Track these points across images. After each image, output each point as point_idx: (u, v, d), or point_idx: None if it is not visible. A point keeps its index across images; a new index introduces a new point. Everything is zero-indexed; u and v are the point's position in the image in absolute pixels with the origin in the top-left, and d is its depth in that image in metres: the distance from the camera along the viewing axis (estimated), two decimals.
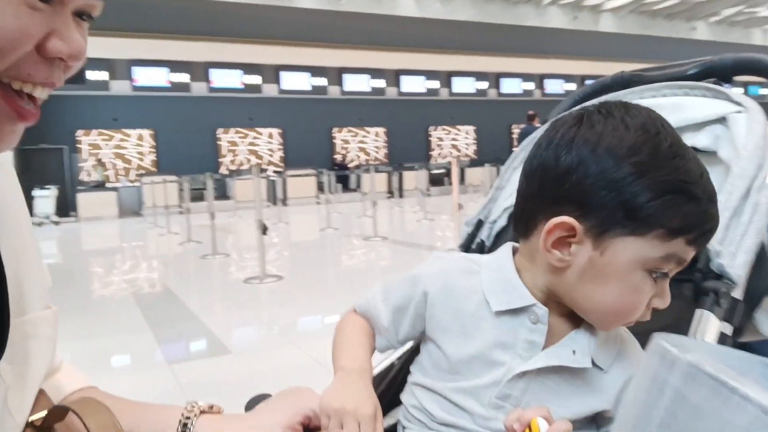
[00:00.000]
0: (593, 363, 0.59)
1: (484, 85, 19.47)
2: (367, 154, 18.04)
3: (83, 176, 14.51)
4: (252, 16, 15.65)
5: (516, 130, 20.24)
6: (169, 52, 14.98)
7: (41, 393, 0.60)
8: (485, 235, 0.94)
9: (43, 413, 0.57)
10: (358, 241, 7.49)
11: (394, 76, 18.15)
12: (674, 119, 0.82)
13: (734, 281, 0.64)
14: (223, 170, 15.86)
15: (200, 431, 0.61)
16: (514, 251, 0.66)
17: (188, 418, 0.62)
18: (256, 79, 16.27)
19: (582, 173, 0.56)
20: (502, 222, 0.94)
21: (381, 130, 18.15)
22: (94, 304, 4.31)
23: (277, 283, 4.74)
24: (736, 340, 0.63)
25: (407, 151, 17.94)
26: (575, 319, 0.61)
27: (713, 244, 0.65)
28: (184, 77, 15.44)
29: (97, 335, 3.40)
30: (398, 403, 0.73)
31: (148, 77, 15.04)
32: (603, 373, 0.60)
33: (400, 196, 15.99)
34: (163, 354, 3.05)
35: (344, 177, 15.97)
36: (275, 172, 15.60)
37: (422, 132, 18.79)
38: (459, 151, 19.39)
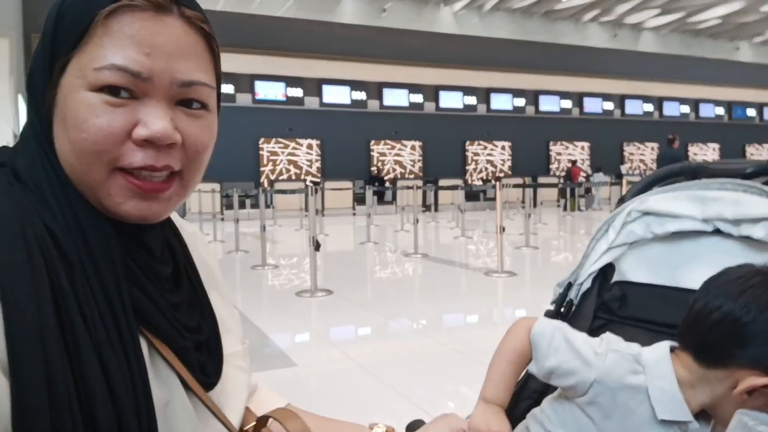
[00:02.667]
0: None
1: (521, 102, 19.58)
2: (403, 167, 18.30)
3: None
4: (296, 31, 16.11)
5: (553, 148, 20.25)
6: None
7: (247, 410, 0.76)
8: (574, 295, 1.16)
9: (252, 424, 0.74)
10: (399, 256, 7.71)
11: (432, 92, 18.40)
12: (735, 212, 1.03)
13: None
14: (263, 179, 16.31)
15: None
16: (671, 349, 0.81)
17: None
18: (298, 92, 16.73)
19: None
20: (587, 284, 1.16)
21: (417, 143, 18.39)
22: None
23: (328, 298, 4.99)
24: None
25: (443, 165, 18.15)
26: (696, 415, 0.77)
27: None
28: (229, 88, 15.97)
29: None
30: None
31: None
32: None
33: (436, 210, 16.18)
34: None
35: (380, 190, 16.25)
36: (313, 182, 15.97)
37: (459, 146, 18.98)
38: (495, 166, 19.50)
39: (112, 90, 0.52)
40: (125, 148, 0.53)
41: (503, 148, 19.62)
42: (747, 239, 1.02)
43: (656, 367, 0.79)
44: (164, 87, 0.54)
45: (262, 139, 16.52)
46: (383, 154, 18.05)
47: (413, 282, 6.08)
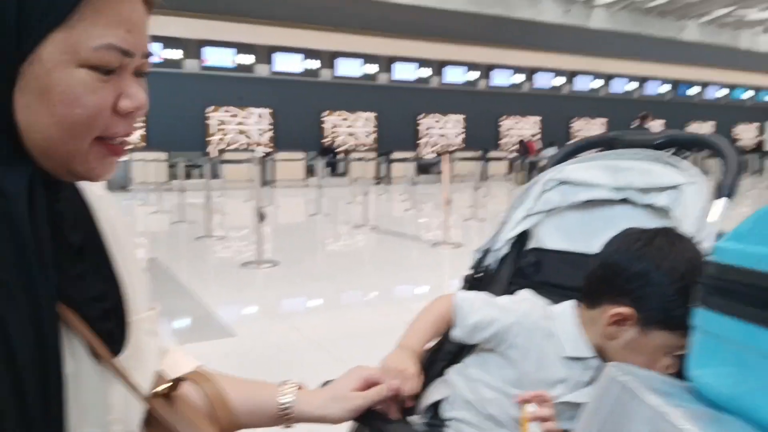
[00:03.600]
0: None
1: (474, 75, 19.65)
2: (357, 139, 18.19)
3: None
4: None
5: (504, 122, 20.50)
6: (162, 29, 14.95)
7: (159, 374, 0.75)
8: (491, 260, 1.19)
9: (167, 385, 0.72)
10: (349, 228, 7.72)
11: (386, 63, 18.26)
12: (645, 181, 1.07)
13: None
14: (211, 149, 15.93)
15: (298, 400, 0.83)
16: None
17: (289, 391, 0.84)
18: (248, 59, 16.31)
19: (646, 281, 0.81)
20: (505, 250, 1.18)
21: (371, 115, 18.29)
22: None
23: (273, 269, 4.96)
24: None
25: (397, 137, 18.12)
26: None
27: None
28: (177, 53, 15.42)
29: None
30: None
31: None
32: None
33: (389, 183, 16.20)
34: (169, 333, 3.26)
35: (333, 162, 16.14)
36: (264, 153, 15.69)
37: (412, 119, 18.97)
38: (448, 140, 19.61)
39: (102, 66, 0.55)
40: (112, 120, 0.58)
41: (456, 121, 19.73)
42: (650, 207, 1.06)
43: (562, 314, 0.91)
44: (137, 61, 0.58)
45: (211, 108, 16.09)
46: (336, 126, 17.88)
47: (361, 254, 6.11)
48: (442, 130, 19.52)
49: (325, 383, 0.90)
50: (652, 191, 1.05)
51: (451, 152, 8.08)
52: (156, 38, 14.87)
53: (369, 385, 0.86)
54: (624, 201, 1.09)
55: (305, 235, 7.57)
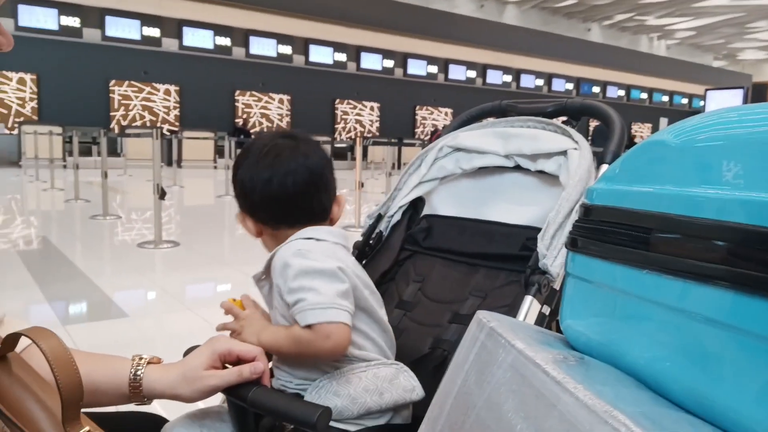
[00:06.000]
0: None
1: (390, 63, 19.71)
2: (271, 121, 17.78)
3: None
4: None
5: (419, 112, 20.73)
6: None
7: None
8: (384, 227, 1.15)
9: None
10: None
11: (302, 44, 17.92)
12: (532, 147, 1.06)
13: (553, 276, 0.88)
14: (114, 125, 15.01)
15: (147, 377, 0.76)
16: None
17: (138, 366, 0.77)
18: (154, 32, 15.47)
19: None
20: (397, 217, 1.15)
21: (285, 97, 17.91)
22: None
23: (172, 249, 4.73)
24: (555, 318, 0.87)
25: (312, 121, 17.87)
26: None
27: (541, 248, 0.88)
28: (74, 21, 14.36)
29: None
30: None
31: (34, 18, 13.83)
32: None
33: None
34: (55, 313, 3.02)
35: (244, 143, 15.64)
36: (170, 131, 14.97)
37: (328, 104, 18.76)
38: (363, 126, 19.58)
39: None
40: None
41: (372, 108, 19.72)
42: (542, 174, 1.06)
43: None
44: None
45: (113, 81, 15.14)
46: (249, 106, 17.36)
47: None
48: (358, 116, 19.45)
49: (188, 350, 0.82)
50: (540, 157, 1.04)
51: (365, 138, 8.05)
52: (50, 3, 13.81)
53: (227, 361, 0.79)
54: (518, 168, 1.09)
55: (210, 217, 7.29)
